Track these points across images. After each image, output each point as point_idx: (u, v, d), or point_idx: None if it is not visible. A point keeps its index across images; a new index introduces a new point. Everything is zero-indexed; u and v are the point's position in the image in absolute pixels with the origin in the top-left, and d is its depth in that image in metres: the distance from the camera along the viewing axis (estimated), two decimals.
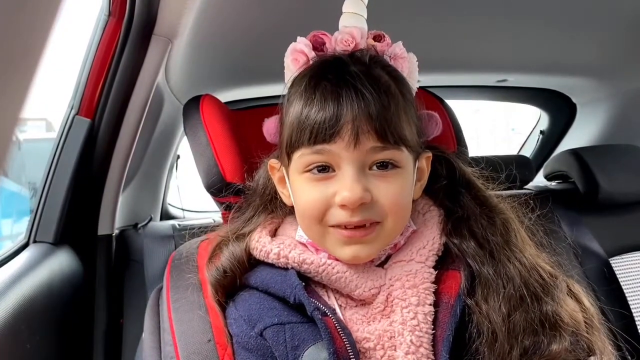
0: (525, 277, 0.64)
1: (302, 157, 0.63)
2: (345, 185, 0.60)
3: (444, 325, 0.60)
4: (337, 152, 0.61)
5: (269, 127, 0.74)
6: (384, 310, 0.64)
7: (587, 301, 0.68)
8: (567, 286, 0.67)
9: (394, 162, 0.62)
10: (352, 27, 0.68)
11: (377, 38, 0.69)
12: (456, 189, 0.72)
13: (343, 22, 0.70)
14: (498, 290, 0.62)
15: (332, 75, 0.63)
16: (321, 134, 0.60)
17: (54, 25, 0.26)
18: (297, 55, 0.69)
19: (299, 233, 0.71)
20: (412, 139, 0.64)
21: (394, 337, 0.61)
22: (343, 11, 0.70)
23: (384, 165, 0.62)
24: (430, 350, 0.59)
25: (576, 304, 0.66)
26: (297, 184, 0.66)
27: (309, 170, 0.63)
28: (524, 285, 0.63)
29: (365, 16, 0.70)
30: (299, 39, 0.69)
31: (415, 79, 0.72)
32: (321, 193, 0.62)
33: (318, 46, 0.69)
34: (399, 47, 0.69)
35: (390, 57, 0.69)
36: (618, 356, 0.66)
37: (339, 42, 0.67)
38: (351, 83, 0.61)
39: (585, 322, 0.65)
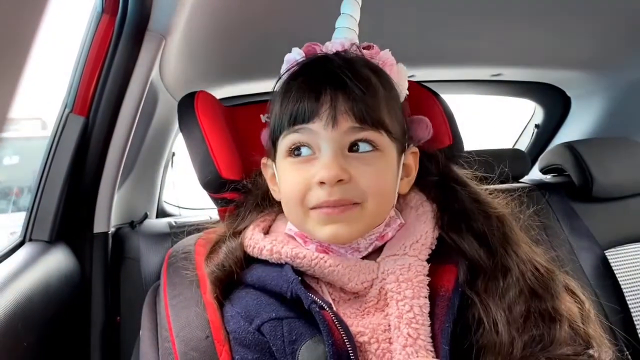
0: (523, 270, 0.65)
1: (284, 138, 0.66)
2: (323, 164, 0.63)
3: (442, 317, 0.61)
4: (317, 131, 0.63)
5: (265, 135, 0.76)
6: (378, 303, 0.64)
7: (582, 295, 0.69)
8: (563, 280, 0.68)
9: (373, 143, 0.64)
10: (342, 38, 0.72)
11: (367, 48, 0.72)
12: (449, 185, 0.73)
13: (336, 34, 0.73)
14: (498, 282, 0.63)
15: (314, 67, 0.66)
16: (300, 115, 0.64)
17: (40, 23, 0.26)
18: (289, 64, 0.72)
19: (288, 226, 0.72)
20: (392, 127, 0.66)
21: (388, 330, 0.61)
22: (336, 27, 0.74)
23: (363, 146, 0.64)
24: (428, 342, 0.59)
25: (571, 298, 0.67)
26: (282, 170, 0.68)
27: (291, 153, 0.66)
28: (523, 278, 0.64)
29: (357, 30, 0.74)
30: (293, 49, 0.73)
31: (404, 87, 0.73)
32: (302, 176, 0.65)
33: (310, 55, 0.71)
34: (386, 55, 0.72)
35: (378, 63, 0.71)
36: (615, 349, 0.67)
37: (329, 50, 0.71)
38: (331, 71, 0.64)
39: (581, 315, 0.66)
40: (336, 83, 0.63)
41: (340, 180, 0.62)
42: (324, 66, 0.65)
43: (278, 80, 0.71)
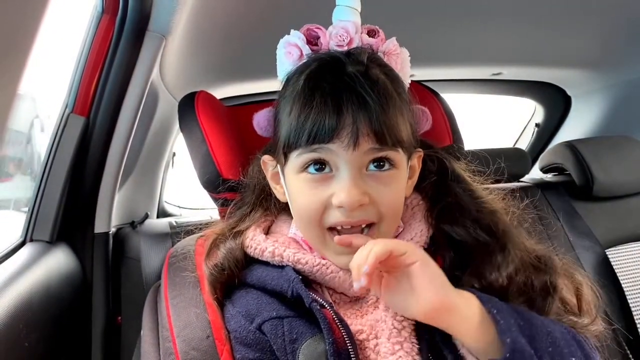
0: (521, 249, 0.66)
1: (299, 156, 0.63)
2: (343, 188, 0.61)
3: None
4: (336, 150, 0.60)
5: (260, 120, 0.74)
6: (376, 302, 0.65)
7: (579, 276, 0.70)
8: (560, 262, 0.69)
9: (390, 161, 0.63)
10: (346, 22, 0.67)
11: (371, 33, 0.69)
12: (446, 183, 0.73)
13: (337, 15, 0.69)
14: (496, 256, 0.64)
15: (330, 76, 0.62)
16: (320, 135, 0.60)
17: (40, 23, 0.26)
18: (290, 49, 0.68)
19: (292, 230, 0.72)
20: (407, 139, 0.64)
21: None
22: (337, 4, 0.69)
23: (380, 165, 0.62)
24: (412, 335, 0.60)
25: (569, 281, 0.69)
26: (294, 185, 0.66)
27: (306, 169, 0.63)
28: (520, 255, 0.65)
29: (359, 9, 0.69)
30: (292, 32, 0.69)
31: (408, 73, 0.72)
32: (318, 196, 0.63)
33: (312, 40, 0.68)
34: (392, 43, 0.69)
35: (383, 53, 0.69)
36: (614, 344, 0.67)
37: (333, 36, 0.67)
38: (350, 86, 0.61)
39: (577, 295, 0.68)
40: (358, 101, 0.60)
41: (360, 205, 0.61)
42: (340, 77, 0.62)
43: (288, 82, 0.67)
